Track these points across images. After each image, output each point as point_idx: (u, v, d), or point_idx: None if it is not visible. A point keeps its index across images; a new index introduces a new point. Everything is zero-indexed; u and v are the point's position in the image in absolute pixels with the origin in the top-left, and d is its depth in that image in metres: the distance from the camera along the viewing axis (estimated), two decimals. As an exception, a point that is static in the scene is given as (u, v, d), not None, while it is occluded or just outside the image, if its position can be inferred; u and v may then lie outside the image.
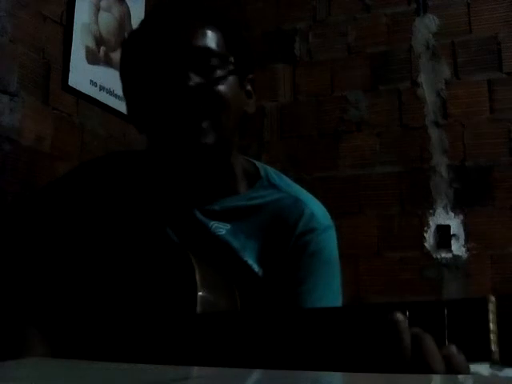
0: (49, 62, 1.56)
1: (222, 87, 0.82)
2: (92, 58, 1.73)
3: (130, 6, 1.93)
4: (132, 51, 0.89)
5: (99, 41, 1.77)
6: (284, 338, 0.57)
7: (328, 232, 0.89)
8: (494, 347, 0.47)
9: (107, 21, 1.82)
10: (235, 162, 0.90)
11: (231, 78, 0.84)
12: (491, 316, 0.48)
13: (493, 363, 0.48)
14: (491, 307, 0.49)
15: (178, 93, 0.79)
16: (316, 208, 0.90)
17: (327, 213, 0.91)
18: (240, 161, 0.92)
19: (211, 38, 0.84)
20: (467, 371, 0.49)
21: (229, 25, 0.88)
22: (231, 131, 0.85)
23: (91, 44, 1.74)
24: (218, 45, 0.84)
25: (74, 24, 1.66)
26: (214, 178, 0.88)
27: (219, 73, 0.83)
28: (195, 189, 0.88)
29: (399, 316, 0.51)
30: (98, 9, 1.78)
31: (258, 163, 0.95)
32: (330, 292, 0.86)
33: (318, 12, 2.23)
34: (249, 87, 0.91)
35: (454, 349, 0.49)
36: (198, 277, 0.68)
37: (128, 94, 0.90)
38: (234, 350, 0.59)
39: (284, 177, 0.94)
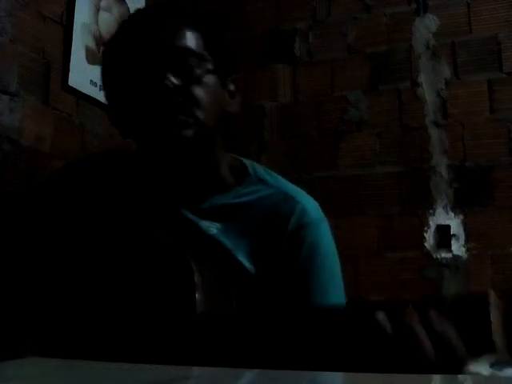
0: (49, 62, 1.55)
1: (198, 86, 0.83)
2: (92, 57, 1.73)
3: (129, 6, 1.92)
4: (112, 54, 0.89)
5: (99, 41, 1.77)
6: (286, 337, 0.58)
7: (321, 226, 0.89)
8: (496, 338, 0.51)
9: (107, 21, 1.82)
10: (221, 160, 0.90)
11: (210, 78, 0.85)
12: (492, 309, 0.51)
13: (496, 354, 0.51)
14: (492, 301, 0.52)
15: (156, 92, 0.80)
16: (307, 203, 0.90)
17: (318, 206, 0.92)
18: (227, 159, 0.92)
19: (189, 38, 0.84)
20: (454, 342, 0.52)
21: (208, 25, 0.89)
22: (211, 128, 0.85)
23: (91, 44, 1.74)
24: (195, 44, 0.85)
25: (74, 24, 1.65)
26: (200, 175, 0.88)
27: (197, 72, 0.83)
28: (182, 187, 0.88)
29: (380, 314, 0.53)
30: (97, 9, 1.78)
31: (245, 160, 0.95)
32: (332, 286, 0.86)
33: (318, 12, 2.23)
34: (232, 87, 0.91)
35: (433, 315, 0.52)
36: (196, 278, 0.68)
37: (109, 97, 0.90)
38: (235, 350, 0.59)
39: (273, 173, 0.94)
